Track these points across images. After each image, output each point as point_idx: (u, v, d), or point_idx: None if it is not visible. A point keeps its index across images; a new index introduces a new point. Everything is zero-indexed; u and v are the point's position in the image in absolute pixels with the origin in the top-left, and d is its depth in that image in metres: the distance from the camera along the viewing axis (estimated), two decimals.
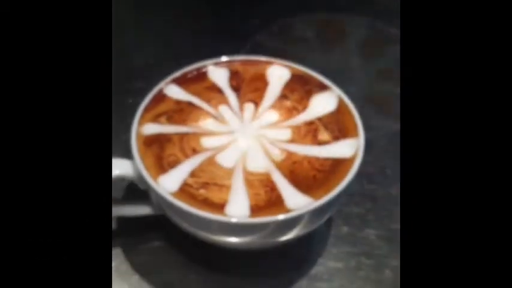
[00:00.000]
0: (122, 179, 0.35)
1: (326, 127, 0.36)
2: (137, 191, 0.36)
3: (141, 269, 0.37)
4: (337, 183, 0.33)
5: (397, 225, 0.40)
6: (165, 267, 0.38)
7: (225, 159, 0.35)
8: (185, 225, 0.34)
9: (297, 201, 0.32)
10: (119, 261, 0.38)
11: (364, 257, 0.39)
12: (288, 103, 0.38)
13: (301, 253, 0.39)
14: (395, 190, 0.43)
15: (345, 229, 0.40)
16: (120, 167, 0.34)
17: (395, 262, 0.39)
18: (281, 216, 0.31)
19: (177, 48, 0.55)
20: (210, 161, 0.34)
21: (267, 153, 0.35)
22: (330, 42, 0.57)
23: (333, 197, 0.32)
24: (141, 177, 0.34)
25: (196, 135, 0.36)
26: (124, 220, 0.39)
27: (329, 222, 0.40)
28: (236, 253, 0.38)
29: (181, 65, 0.40)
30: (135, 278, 0.37)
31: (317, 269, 0.38)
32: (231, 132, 0.36)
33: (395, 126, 0.47)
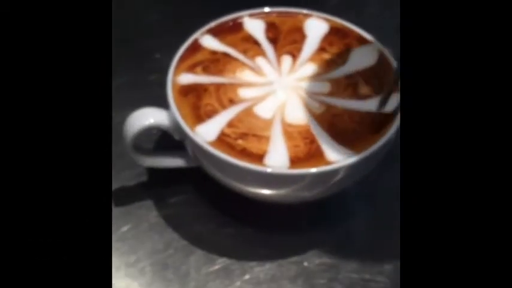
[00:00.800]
0: (156, 128, 0.34)
1: (366, 81, 0.35)
2: (169, 142, 0.35)
3: (173, 221, 0.37)
4: (379, 138, 0.32)
5: None
6: (197, 220, 0.37)
7: (263, 110, 0.34)
8: (221, 176, 0.34)
9: (336, 154, 0.32)
10: (150, 214, 0.37)
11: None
12: (326, 56, 0.37)
13: (334, 211, 0.38)
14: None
15: (380, 186, 0.39)
16: (154, 116, 0.34)
17: None
18: (323, 168, 0.31)
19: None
20: (248, 112, 0.34)
21: (306, 106, 0.34)
22: None
23: (374, 151, 0.32)
24: (177, 126, 0.33)
25: (234, 86, 0.35)
26: (155, 172, 0.38)
27: (363, 180, 0.39)
28: (267, 207, 0.37)
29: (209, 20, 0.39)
30: (168, 230, 0.37)
31: (349, 228, 0.38)
32: (268, 84, 0.35)
33: None
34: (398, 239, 0.36)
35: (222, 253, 0.36)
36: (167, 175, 0.38)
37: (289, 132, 0.33)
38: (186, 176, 0.38)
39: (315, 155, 0.32)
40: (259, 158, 0.31)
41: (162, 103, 0.34)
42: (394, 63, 0.36)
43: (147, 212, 0.38)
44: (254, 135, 0.32)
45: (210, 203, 0.38)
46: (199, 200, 0.38)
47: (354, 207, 0.39)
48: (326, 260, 0.36)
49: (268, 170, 0.31)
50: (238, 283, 0.34)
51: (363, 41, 0.38)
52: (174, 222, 0.37)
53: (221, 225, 0.37)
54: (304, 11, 0.40)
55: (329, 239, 0.37)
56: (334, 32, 0.39)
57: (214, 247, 0.36)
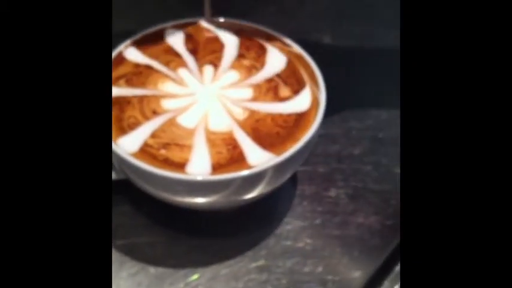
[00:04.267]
0: None
1: (285, 82, 0.37)
2: None
3: None
4: (299, 138, 0.33)
5: (362, 184, 0.41)
6: (130, 231, 0.38)
7: (187, 120, 0.34)
8: (147, 187, 0.34)
9: (259, 158, 0.32)
10: None
11: (330, 215, 0.39)
12: (246, 62, 0.38)
13: (267, 213, 0.39)
14: (359, 150, 0.43)
15: (310, 188, 0.41)
16: None
17: (361, 219, 0.39)
18: (243, 173, 0.31)
19: (144, 13, 0.53)
20: (171, 122, 0.34)
21: (229, 113, 0.35)
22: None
23: (295, 152, 0.32)
24: None
25: (157, 98, 0.35)
26: None
27: (294, 182, 0.40)
28: (202, 214, 0.38)
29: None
30: None
31: (283, 228, 0.38)
32: (191, 94, 0.36)
33: (363, 88, 0.47)
34: (328, 239, 0.38)
35: (155, 262, 0.36)
36: None
37: (213, 139, 0.33)
38: (117, 189, 0.38)
39: (237, 160, 0.32)
40: (181, 166, 0.32)
41: None
42: (308, 57, 0.38)
43: None
44: (176, 145, 0.33)
45: (141, 213, 0.39)
46: (131, 211, 0.39)
47: (285, 208, 0.40)
48: (258, 262, 0.37)
49: (184, 177, 0.31)
50: None
51: (274, 40, 0.39)
52: None
53: (153, 235, 0.37)
54: (215, 20, 0.41)
55: (261, 241, 0.38)
56: (248, 37, 0.40)
57: (147, 257, 0.36)
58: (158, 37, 0.40)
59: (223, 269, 0.36)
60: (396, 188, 0.40)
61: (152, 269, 0.36)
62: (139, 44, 0.39)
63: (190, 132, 0.34)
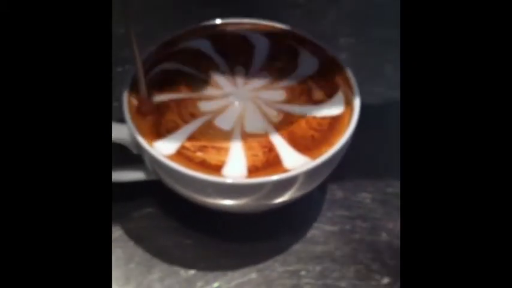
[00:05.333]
0: (116, 143, 0.34)
1: (319, 85, 0.36)
2: (130, 155, 0.35)
3: (135, 235, 0.37)
4: (334, 142, 0.33)
5: (391, 189, 0.41)
6: (159, 233, 0.37)
7: (223, 122, 0.34)
8: (181, 189, 0.34)
9: (294, 161, 0.32)
10: (113, 228, 0.37)
11: (359, 220, 0.39)
12: (277, 63, 0.38)
13: (296, 217, 0.39)
14: (390, 155, 0.43)
15: (339, 193, 0.40)
16: (115, 131, 0.34)
17: (391, 225, 0.39)
18: (277, 176, 0.31)
19: (167, 16, 0.53)
20: (209, 125, 0.34)
21: (265, 115, 0.34)
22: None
23: (330, 156, 0.32)
24: (135, 141, 0.33)
25: (193, 100, 0.35)
26: (116, 186, 0.38)
27: (324, 187, 0.40)
28: (231, 217, 0.38)
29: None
30: (130, 244, 0.37)
31: (313, 233, 0.38)
32: (226, 96, 0.36)
33: (389, 92, 0.47)
34: (358, 244, 0.37)
35: (185, 265, 0.36)
36: (128, 189, 0.37)
37: (249, 142, 0.33)
38: (147, 190, 0.38)
39: (273, 163, 0.32)
40: (217, 169, 0.32)
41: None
42: (340, 61, 0.38)
43: None
44: (213, 147, 0.33)
45: (171, 215, 0.38)
46: (161, 213, 0.38)
47: (315, 213, 0.39)
48: (288, 267, 0.36)
49: (220, 180, 0.31)
50: None
51: (305, 43, 0.39)
52: (136, 236, 0.37)
53: (183, 237, 0.37)
54: (240, 20, 0.40)
55: (291, 246, 0.37)
56: (278, 37, 0.39)
57: (176, 260, 0.36)
58: (182, 41, 0.39)
59: (253, 273, 0.36)
60: None
61: (182, 272, 0.35)
62: (165, 49, 0.38)
63: (228, 135, 0.33)
